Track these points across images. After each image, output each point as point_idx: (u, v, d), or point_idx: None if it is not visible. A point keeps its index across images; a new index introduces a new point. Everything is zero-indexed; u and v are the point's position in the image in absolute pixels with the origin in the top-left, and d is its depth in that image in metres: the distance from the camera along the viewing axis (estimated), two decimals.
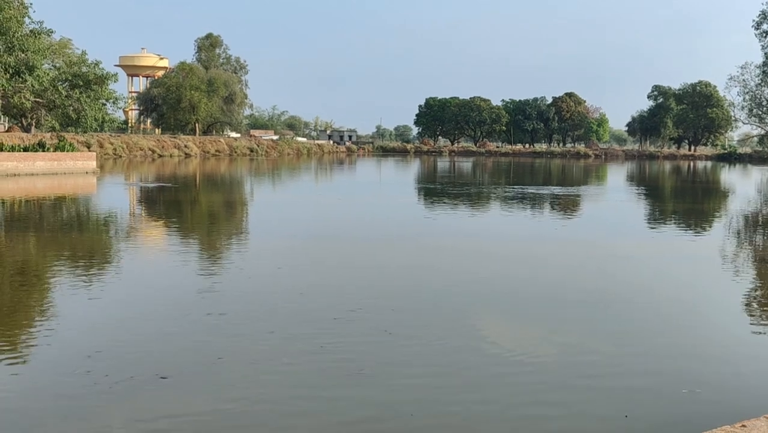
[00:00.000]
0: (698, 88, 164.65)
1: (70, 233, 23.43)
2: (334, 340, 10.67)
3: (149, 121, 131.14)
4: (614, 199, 44.44)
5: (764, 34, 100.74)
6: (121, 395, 8.37)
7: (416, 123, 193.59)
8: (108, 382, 8.74)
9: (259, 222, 28.43)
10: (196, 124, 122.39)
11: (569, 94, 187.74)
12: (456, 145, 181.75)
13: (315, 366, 9.53)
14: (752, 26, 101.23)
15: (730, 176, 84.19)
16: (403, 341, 10.79)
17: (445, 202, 37.49)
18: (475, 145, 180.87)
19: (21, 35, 54.02)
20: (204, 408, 8.05)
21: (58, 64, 71.40)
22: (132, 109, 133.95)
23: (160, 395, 8.43)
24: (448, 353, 10.27)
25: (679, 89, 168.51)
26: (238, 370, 9.33)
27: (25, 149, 52.80)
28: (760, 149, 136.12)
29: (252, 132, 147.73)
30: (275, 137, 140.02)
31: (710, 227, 29.49)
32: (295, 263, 17.58)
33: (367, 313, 12.36)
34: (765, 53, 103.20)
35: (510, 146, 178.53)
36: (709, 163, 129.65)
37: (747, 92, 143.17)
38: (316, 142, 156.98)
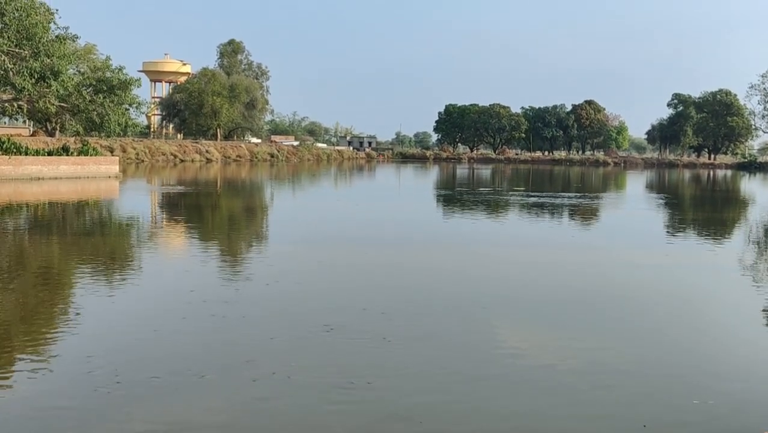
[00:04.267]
0: (718, 96, 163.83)
1: (93, 237, 23.83)
2: (339, 346, 10.85)
3: (171, 126, 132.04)
4: (634, 207, 44.44)
5: None
6: (121, 398, 8.54)
7: (436, 130, 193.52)
8: (116, 384, 8.98)
9: (277, 228, 28.68)
10: (218, 130, 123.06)
11: (589, 102, 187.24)
12: (475, 152, 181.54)
13: (319, 371, 9.66)
14: None
15: (750, 185, 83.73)
16: (409, 345, 10.94)
17: (461, 209, 37.69)
18: (495, 152, 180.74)
19: (47, 41, 54.56)
20: (202, 416, 8.12)
21: (82, 70, 72.11)
22: (154, 115, 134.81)
23: (158, 401, 8.54)
24: (459, 358, 10.40)
25: (699, 97, 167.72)
26: (240, 376, 9.41)
27: (50, 153, 53.49)
28: None
29: (273, 138, 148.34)
30: (296, 143, 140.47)
31: (730, 236, 29.44)
32: (310, 269, 17.77)
33: (373, 319, 12.55)
34: None
35: (529, 153, 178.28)
36: (729, 172, 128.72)
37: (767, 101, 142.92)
38: (336, 148, 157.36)
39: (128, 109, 70.97)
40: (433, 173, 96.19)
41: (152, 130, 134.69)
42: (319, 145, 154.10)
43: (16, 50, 52.98)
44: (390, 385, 9.24)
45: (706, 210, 44.90)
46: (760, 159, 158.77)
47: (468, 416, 8.30)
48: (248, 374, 9.51)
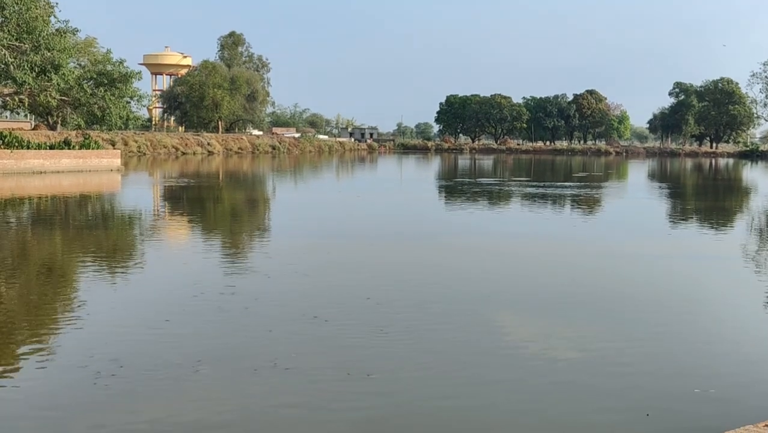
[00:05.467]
0: (720, 85, 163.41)
1: (95, 230, 23.85)
2: (338, 338, 10.86)
3: (173, 119, 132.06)
4: (636, 197, 44.40)
5: None
6: (120, 392, 8.55)
7: (437, 121, 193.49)
8: (117, 377, 9.01)
9: (279, 220, 28.66)
10: (219, 122, 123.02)
11: (590, 92, 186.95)
12: (477, 142, 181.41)
13: (318, 363, 9.69)
14: None
15: (752, 174, 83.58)
16: (408, 337, 10.95)
17: (463, 201, 37.69)
18: (496, 142, 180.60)
19: (47, 34, 54.49)
20: (202, 408, 8.14)
21: (83, 63, 72.16)
22: (156, 107, 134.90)
23: (158, 393, 8.57)
24: (460, 351, 10.43)
25: (701, 86, 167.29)
26: (240, 368, 9.41)
27: (51, 147, 53.51)
28: None
29: (274, 130, 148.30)
30: (297, 135, 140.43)
31: (732, 225, 29.39)
32: (310, 261, 17.73)
33: (374, 311, 12.56)
34: None
35: (531, 144, 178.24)
36: (731, 161, 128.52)
37: None
38: (338, 139, 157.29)
39: (129, 103, 71.06)
40: (434, 164, 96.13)
41: (154, 123, 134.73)
42: (321, 136, 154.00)
43: (17, 44, 52.93)
44: (388, 377, 9.26)
45: (708, 199, 44.83)
46: (762, 147, 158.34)
47: (468, 408, 8.33)
48: (248, 364, 9.54)
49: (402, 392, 8.74)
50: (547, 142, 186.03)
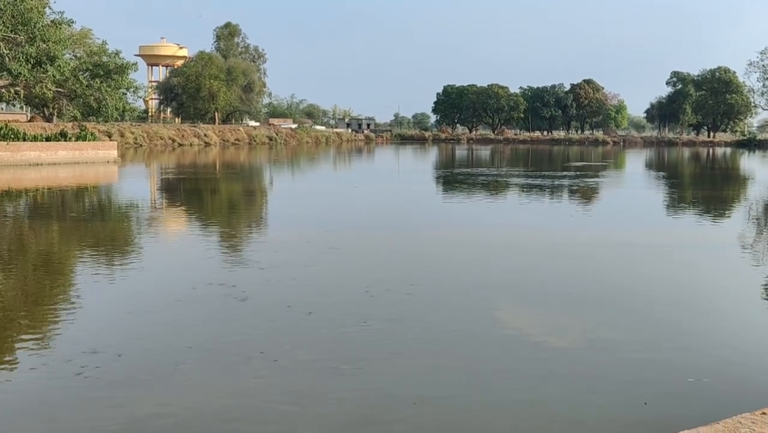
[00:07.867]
0: (717, 74, 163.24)
1: (92, 222, 23.80)
2: (333, 331, 10.82)
3: (169, 110, 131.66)
4: (634, 186, 44.38)
5: None
6: (111, 386, 8.53)
7: (434, 111, 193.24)
8: (109, 371, 9.02)
9: (277, 211, 28.67)
10: (216, 113, 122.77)
11: (587, 81, 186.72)
12: (474, 132, 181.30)
13: (313, 355, 9.67)
14: None
15: (749, 163, 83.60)
16: (401, 330, 10.92)
17: (461, 191, 37.67)
18: (493, 132, 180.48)
19: (42, 26, 54.35)
20: (197, 405, 8.04)
21: (78, 54, 71.85)
22: (152, 99, 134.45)
23: (151, 386, 8.53)
24: (456, 343, 10.41)
25: (698, 75, 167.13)
26: (229, 364, 9.31)
27: (48, 139, 53.35)
28: None
29: (271, 121, 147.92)
30: (294, 126, 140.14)
31: (730, 214, 29.39)
32: (309, 253, 17.68)
33: (368, 303, 12.56)
34: None
35: (528, 134, 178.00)
36: (728, 150, 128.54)
37: (767, 78, 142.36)
38: (335, 130, 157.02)
39: (125, 94, 70.79)
40: (432, 154, 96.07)
41: (150, 114, 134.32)
42: (318, 127, 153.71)
43: (12, 36, 52.76)
44: (382, 370, 9.24)
45: (705, 188, 44.85)
46: (760, 136, 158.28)
47: (464, 399, 8.33)
48: (243, 356, 9.52)
49: (396, 383, 8.73)
50: (545, 132, 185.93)
